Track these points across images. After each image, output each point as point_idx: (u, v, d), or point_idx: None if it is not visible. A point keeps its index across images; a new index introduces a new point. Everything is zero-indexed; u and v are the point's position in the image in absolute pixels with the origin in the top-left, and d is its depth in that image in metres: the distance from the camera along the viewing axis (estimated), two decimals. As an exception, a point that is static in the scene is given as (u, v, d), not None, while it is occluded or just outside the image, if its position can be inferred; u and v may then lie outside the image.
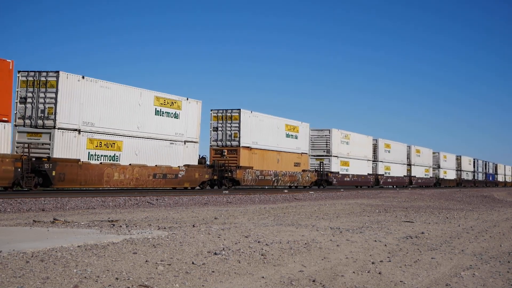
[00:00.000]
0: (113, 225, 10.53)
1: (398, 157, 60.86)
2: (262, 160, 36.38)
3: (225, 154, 34.11)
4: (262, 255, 7.40)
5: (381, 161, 56.31)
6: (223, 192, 28.16)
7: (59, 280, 5.45)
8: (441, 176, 74.93)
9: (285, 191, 33.75)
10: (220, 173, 33.45)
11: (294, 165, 40.46)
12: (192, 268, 6.40)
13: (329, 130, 46.45)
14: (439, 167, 74.92)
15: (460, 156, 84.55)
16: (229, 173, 33.50)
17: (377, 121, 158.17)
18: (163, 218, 12.76)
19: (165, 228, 10.14)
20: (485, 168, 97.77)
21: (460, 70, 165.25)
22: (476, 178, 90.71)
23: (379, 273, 6.76)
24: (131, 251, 7.06)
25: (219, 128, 34.75)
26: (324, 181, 45.23)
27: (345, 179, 48.15)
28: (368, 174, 52.68)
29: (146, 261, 6.55)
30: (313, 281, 6.21)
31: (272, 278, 6.25)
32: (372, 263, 7.40)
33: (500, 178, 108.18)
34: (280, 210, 16.98)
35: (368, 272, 6.82)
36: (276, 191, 32.20)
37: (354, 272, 6.76)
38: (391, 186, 59.18)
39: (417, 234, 10.75)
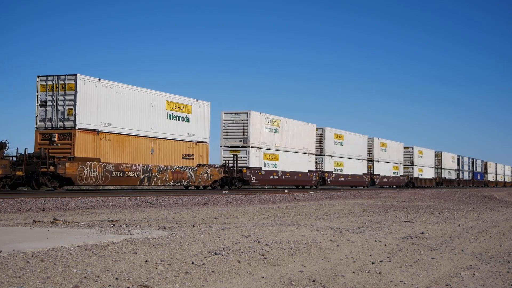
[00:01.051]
0: (113, 225, 10.53)
1: (355, 151, 50.07)
2: (122, 150, 26.12)
3: (55, 139, 23.96)
4: (262, 255, 7.40)
5: (329, 155, 45.52)
6: (223, 192, 28.13)
7: (59, 280, 5.45)
8: (416, 174, 64.99)
9: (285, 191, 33.69)
10: (33, 167, 22.88)
11: (183, 158, 29.96)
12: (192, 268, 6.40)
13: (247, 113, 35.23)
14: (412, 164, 64.68)
15: (441, 152, 74.12)
16: (53, 167, 23.19)
17: (375, 121, 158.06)
18: (163, 218, 12.76)
19: (165, 228, 10.14)
20: (472, 166, 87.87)
21: (454, 68, 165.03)
22: (460, 177, 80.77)
23: (379, 273, 6.76)
24: (131, 251, 7.06)
25: (49, 103, 24.36)
26: (237, 179, 34.52)
27: (272, 176, 37.38)
28: (309, 171, 41.90)
29: (146, 261, 6.55)
30: (313, 281, 6.22)
31: (272, 278, 6.25)
32: (372, 263, 7.40)
33: (490, 177, 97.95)
34: (280, 210, 16.98)
35: (368, 272, 6.82)
36: (276, 191, 32.15)
37: (354, 272, 6.76)
38: (349, 186, 50.29)
39: (417, 234, 10.75)
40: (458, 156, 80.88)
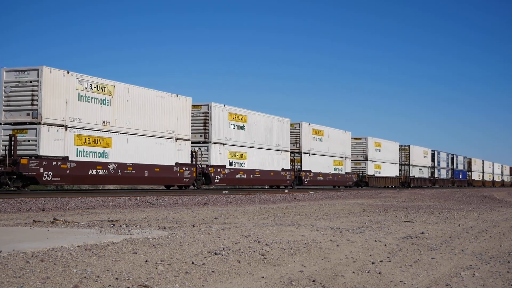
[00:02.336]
0: (113, 225, 10.54)
1: (269, 139, 36.29)
2: None
3: None
4: (262, 255, 7.40)
5: (219, 143, 31.44)
6: (223, 192, 28.09)
7: (59, 280, 5.45)
8: (370, 172, 51.62)
9: (285, 191, 33.65)
10: None
11: None
12: (192, 268, 6.40)
13: (38, 70, 22.37)
14: (366, 158, 51.36)
15: (409, 146, 60.72)
16: None
17: (375, 122, 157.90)
18: (163, 218, 12.76)
19: (165, 228, 10.14)
20: (452, 163, 75.09)
21: (448, 66, 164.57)
22: (436, 175, 67.87)
23: (379, 273, 6.77)
24: (131, 251, 7.06)
25: None
26: (8, 174, 21.52)
27: (93, 171, 24.29)
28: (177, 164, 28.89)
29: (146, 261, 6.55)
30: (313, 281, 6.22)
31: (272, 278, 6.25)
32: (372, 263, 7.40)
33: (475, 176, 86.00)
34: (280, 210, 16.98)
35: (368, 272, 6.82)
36: (276, 191, 32.10)
37: (354, 272, 6.76)
38: (258, 187, 39.30)
39: (417, 234, 10.75)
40: (433, 151, 67.94)
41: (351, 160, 49.57)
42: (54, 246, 7.09)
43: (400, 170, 59.24)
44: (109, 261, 6.38)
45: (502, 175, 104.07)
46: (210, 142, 31.27)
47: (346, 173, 47.30)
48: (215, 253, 7.24)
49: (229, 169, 32.71)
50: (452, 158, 75.37)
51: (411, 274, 6.84)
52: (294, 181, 39.49)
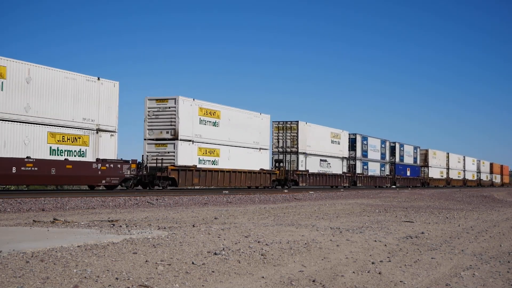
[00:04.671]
0: (113, 225, 10.53)
1: None
2: None
3: None
4: (262, 255, 7.40)
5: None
6: (223, 192, 28.11)
7: (59, 280, 5.45)
8: (183, 161, 28.85)
9: (285, 191, 33.64)
10: None
11: None
12: (192, 268, 6.40)
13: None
14: (175, 137, 28.66)
15: (297, 123, 39.30)
16: None
17: (390, 124, 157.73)
18: (163, 218, 12.76)
19: (165, 228, 10.14)
20: (392, 155, 55.53)
21: (448, 66, 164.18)
22: (359, 171, 48.32)
23: (379, 273, 6.76)
24: (131, 251, 7.06)
25: None
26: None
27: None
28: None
29: (146, 261, 6.55)
30: (313, 281, 6.22)
31: (272, 278, 6.25)
32: (372, 263, 7.40)
33: (435, 173, 67.06)
34: (280, 210, 16.98)
35: (368, 272, 6.82)
36: (276, 191, 32.11)
37: (354, 272, 6.76)
38: None
39: (417, 234, 10.75)
40: (353, 135, 48.05)
41: (149, 140, 29.09)
42: (54, 246, 7.09)
43: (277, 162, 39.28)
44: (109, 261, 6.38)
45: (478, 172, 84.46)
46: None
47: (97, 160, 24.28)
48: (215, 253, 7.24)
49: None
50: (393, 148, 55.78)
51: (411, 274, 6.84)
52: None
